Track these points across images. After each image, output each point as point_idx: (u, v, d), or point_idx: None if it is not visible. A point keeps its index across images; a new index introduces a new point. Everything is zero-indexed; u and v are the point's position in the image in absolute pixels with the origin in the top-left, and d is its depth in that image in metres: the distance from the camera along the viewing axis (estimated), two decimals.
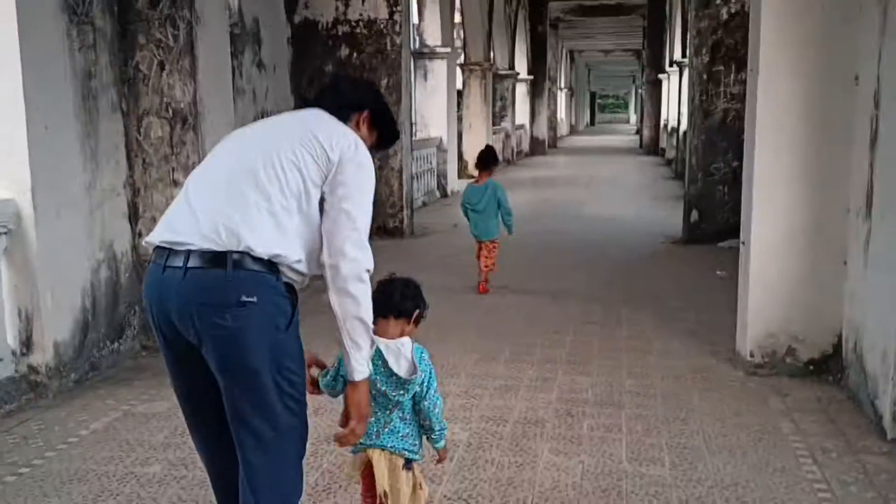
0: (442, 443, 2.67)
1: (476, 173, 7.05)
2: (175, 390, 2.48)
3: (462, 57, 18.24)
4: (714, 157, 9.35)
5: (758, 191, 4.64)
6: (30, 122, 4.31)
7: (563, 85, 38.43)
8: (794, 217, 4.59)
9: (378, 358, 2.48)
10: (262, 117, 8.97)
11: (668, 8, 24.68)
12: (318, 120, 2.46)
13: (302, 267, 2.31)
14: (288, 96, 9.77)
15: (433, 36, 14.30)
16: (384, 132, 2.66)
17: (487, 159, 6.93)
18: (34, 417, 4.20)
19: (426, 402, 2.56)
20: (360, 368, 2.35)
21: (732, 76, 9.21)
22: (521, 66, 25.74)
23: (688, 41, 9.73)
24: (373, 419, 2.51)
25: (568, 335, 5.67)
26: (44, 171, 4.42)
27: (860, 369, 4.22)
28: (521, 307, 6.49)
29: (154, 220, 5.25)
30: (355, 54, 9.81)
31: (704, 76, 9.28)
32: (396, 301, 2.55)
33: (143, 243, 2.72)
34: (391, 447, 2.55)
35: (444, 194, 14.86)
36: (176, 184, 5.20)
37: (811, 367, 4.68)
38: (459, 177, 16.53)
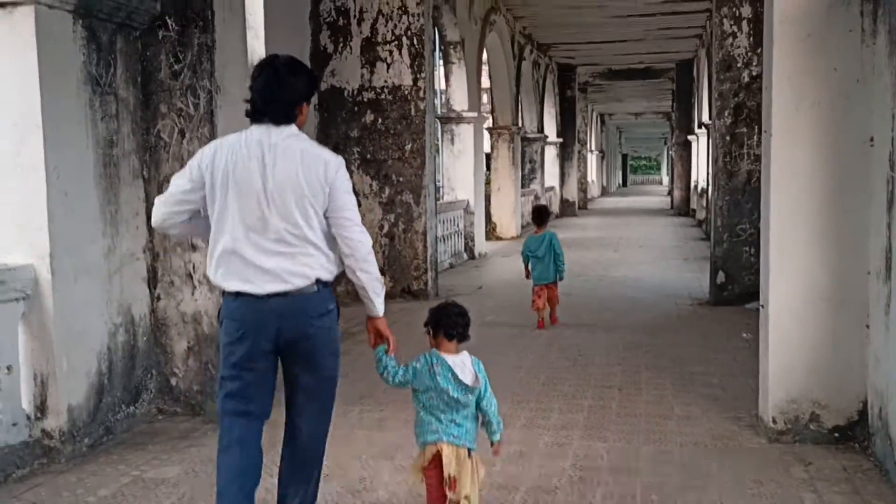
0: (498, 436, 3.37)
1: (535, 227, 8.31)
2: (234, 385, 3.24)
3: (490, 121, 18.44)
4: (740, 217, 9.27)
5: (775, 253, 4.57)
6: (50, 188, 4.41)
7: (593, 147, 38.61)
8: (814, 279, 4.51)
9: (448, 371, 3.24)
10: None
11: (695, 71, 24.85)
12: (302, 145, 3.23)
13: (328, 274, 3.29)
14: None
15: (460, 101, 14.50)
16: (311, 91, 3.38)
17: (543, 215, 8.35)
18: (45, 483, 4.19)
19: (484, 403, 3.29)
20: (382, 308, 3.37)
21: (755, 137, 9.18)
22: (551, 129, 25.95)
23: (709, 103, 9.72)
24: (442, 418, 3.24)
25: (586, 399, 5.57)
26: (63, 236, 4.51)
27: (886, 436, 4.08)
28: (539, 370, 6.41)
29: (173, 284, 5.32)
30: (380, 120, 9.97)
31: (727, 137, 9.27)
32: (460, 329, 3.34)
33: (222, 288, 3.28)
34: (457, 441, 3.23)
35: (472, 256, 14.87)
36: (194, 248, 5.27)
37: (836, 434, 4.53)
38: (487, 238, 16.57)
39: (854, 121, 4.45)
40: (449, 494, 3.23)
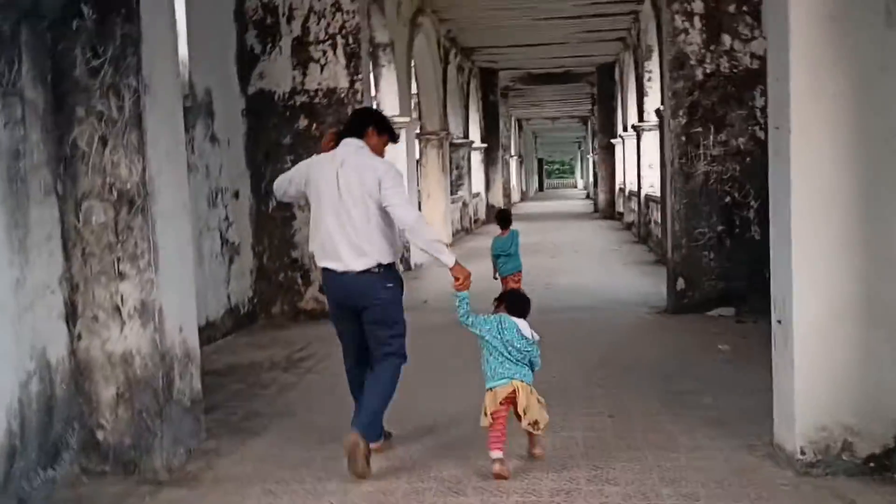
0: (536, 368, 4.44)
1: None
2: (339, 332, 4.73)
3: (418, 127, 17.83)
4: (698, 221, 8.90)
5: (798, 264, 4.07)
6: None
7: (513, 152, 38.47)
8: (841, 292, 4.04)
9: (514, 327, 4.34)
10: (217, 195, 8.33)
11: (617, 74, 24.83)
12: (358, 160, 4.45)
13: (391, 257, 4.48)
14: (243, 171, 9.11)
15: (391, 105, 13.81)
16: (388, 132, 4.70)
17: (508, 217, 9.39)
18: None
19: (534, 355, 4.40)
20: (451, 257, 4.36)
21: (712, 137, 8.84)
22: (475, 134, 25.53)
23: (663, 103, 9.35)
24: (510, 364, 4.30)
25: (577, 430, 4.99)
26: None
27: None
28: None
29: (97, 320, 4.52)
30: (314, 125, 9.22)
31: (683, 138, 8.88)
32: (519, 309, 4.53)
33: (315, 260, 4.61)
34: (525, 378, 4.31)
35: (408, 267, 14.17)
36: (122, 276, 4.46)
37: (871, 464, 4.06)
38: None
39: (878, 113, 4.00)
40: (523, 422, 4.31)
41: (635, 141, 18.96)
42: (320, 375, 6.75)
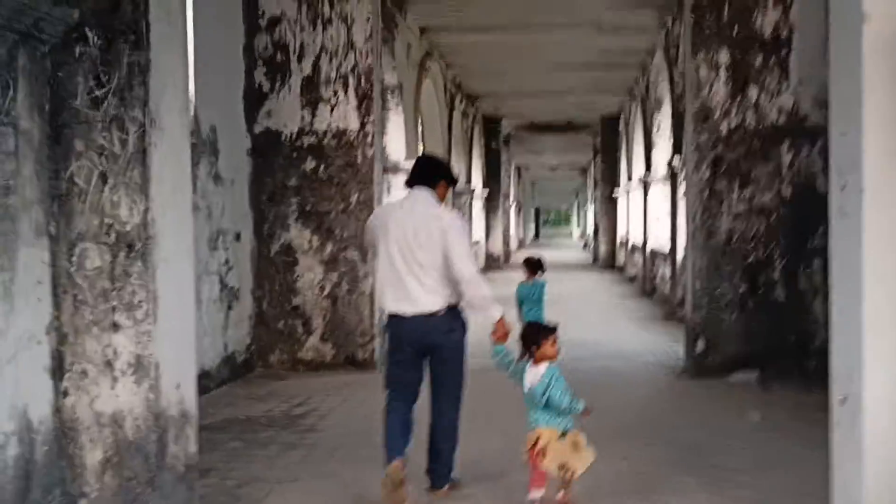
0: (578, 407, 4.52)
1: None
2: (394, 376, 4.82)
3: None
4: (720, 281, 8.50)
5: (871, 336, 3.66)
6: None
7: (512, 200, 38.27)
8: None
9: (528, 378, 4.51)
10: (218, 237, 7.90)
11: (622, 126, 24.71)
12: (426, 209, 4.73)
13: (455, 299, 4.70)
14: (247, 212, 8.73)
15: (397, 150, 13.52)
16: (454, 183, 5.03)
17: (537, 265, 9.03)
18: None
19: (547, 399, 4.41)
20: (494, 313, 4.63)
21: (736, 193, 8.49)
22: (477, 181, 25.29)
23: (684, 156, 9.02)
24: (537, 411, 4.46)
25: None
26: None
27: None
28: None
29: (86, 375, 4.05)
30: (322, 167, 8.87)
31: (706, 193, 8.54)
32: (528, 350, 4.60)
33: (385, 310, 4.82)
34: (546, 425, 4.40)
35: None
36: (117, 327, 4.02)
37: None
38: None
39: None
40: (541, 465, 4.37)
41: (641, 193, 18.67)
42: (322, 434, 6.28)
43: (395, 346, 4.77)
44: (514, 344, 4.67)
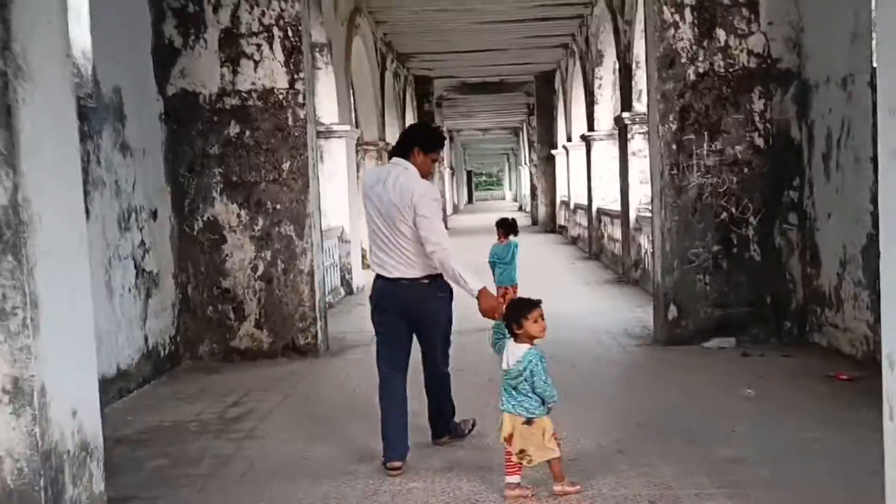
0: (556, 399, 4.21)
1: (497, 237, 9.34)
2: (382, 337, 4.84)
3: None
4: (691, 241, 7.83)
5: None
6: None
7: (446, 164, 37.39)
8: None
9: (505, 357, 4.22)
10: (130, 216, 6.78)
11: (558, 83, 24.00)
12: (399, 180, 4.66)
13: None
14: (163, 186, 7.66)
15: (329, 112, 12.49)
16: (435, 149, 4.85)
17: (511, 226, 9.35)
18: None
19: (530, 385, 4.11)
20: (475, 286, 4.52)
21: (706, 146, 7.80)
22: None
23: (649, 106, 8.29)
24: (506, 392, 4.16)
25: None
26: None
27: None
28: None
29: None
30: (248, 132, 7.84)
31: (674, 146, 7.82)
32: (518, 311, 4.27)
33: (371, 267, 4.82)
34: (513, 410, 4.12)
35: (350, 291, 12.88)
36: None
37: None
38: (363, 268, 14.61)
39: None
40: (508, 449, 4.15)
41: (584, 152, 18.01)
42: (262, 442, 5.39)
43: (378, 305, 4.80)
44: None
